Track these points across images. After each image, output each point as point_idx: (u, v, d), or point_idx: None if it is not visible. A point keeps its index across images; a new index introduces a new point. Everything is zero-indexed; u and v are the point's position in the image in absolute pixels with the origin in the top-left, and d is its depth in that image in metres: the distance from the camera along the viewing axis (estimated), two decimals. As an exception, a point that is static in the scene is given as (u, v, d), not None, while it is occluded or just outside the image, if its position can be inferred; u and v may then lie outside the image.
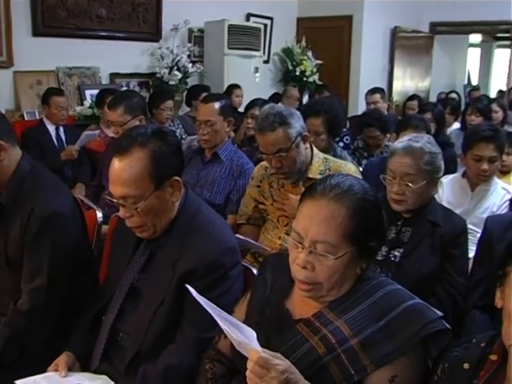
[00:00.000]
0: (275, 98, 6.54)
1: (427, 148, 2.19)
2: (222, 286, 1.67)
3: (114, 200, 1.69)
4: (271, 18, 7.41)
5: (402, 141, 2.27)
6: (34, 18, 5.10)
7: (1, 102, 4.50)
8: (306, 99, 7.30)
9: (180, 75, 5.81)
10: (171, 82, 5.80)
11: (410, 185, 2.16)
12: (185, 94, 5.94)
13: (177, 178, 1.72)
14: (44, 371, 1.81)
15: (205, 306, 1.27)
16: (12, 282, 1.98)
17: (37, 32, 5.14)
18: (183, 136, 4.92)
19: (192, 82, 6.14)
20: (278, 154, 2.47)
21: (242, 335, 1.20)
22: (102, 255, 2.42)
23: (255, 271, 1.87)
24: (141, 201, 1.65)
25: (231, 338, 1.25)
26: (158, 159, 1.67)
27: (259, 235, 2.74)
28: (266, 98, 6.21)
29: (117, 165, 1.67)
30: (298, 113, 2.59)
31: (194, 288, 1.56)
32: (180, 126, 5.16)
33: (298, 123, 2.50)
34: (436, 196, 2.45)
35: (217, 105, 3.07)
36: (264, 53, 7.02)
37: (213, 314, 1.25)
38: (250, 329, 1.20)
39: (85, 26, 5.46)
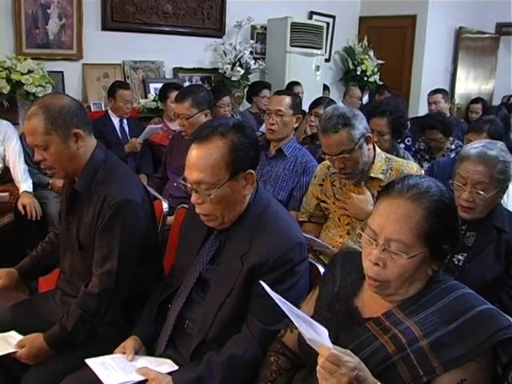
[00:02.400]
0: (324, 90, 6.54)
1: (501, 156, 2.14)
2: (289, 280, 1.69)
3: (188, 185, 1.74)
4: (333, 17, 7.39)
5: (476, 147, 2.21)
6: (103, 13, 5.24)
7: (70, 93, 4.61)
8: (366, 99, 7.25)
9: (242, 71, 5.85)
10: (233, 78, 5.85)
11: (482, 193, 2.13)
12: (246, 89, 5.99)
13: (251, 171, 1.76)
14: (111, 353, 1.87)
15: (278, 302, 1.30)
16: (83, 265, 2.07)
17: (105, 26, 5.28)
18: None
19: (253, 78, 6.18)
20: (341, 155, 2.48)
21: (313, 332, 1.23)
22: (166, 244, 2.49)
23: (320, 268, 1.90)
24: (214, 188, 1.69)
25: (303, 333, 1.28)
26: (235, 150, 1.71)
27: (320, 233, 2.75)
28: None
29: (195, 151, 1.73)
30: (362, 114, 2.58)
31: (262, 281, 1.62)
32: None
33: (361, 124, 2.50)
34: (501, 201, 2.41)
35: (288, 99, 3.14)
36: (325, 51, 6.99)
37: (285, 310, 1.28)
38: (321, 326, 1.22)
39: (151, 21, 5.58)
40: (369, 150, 2.57)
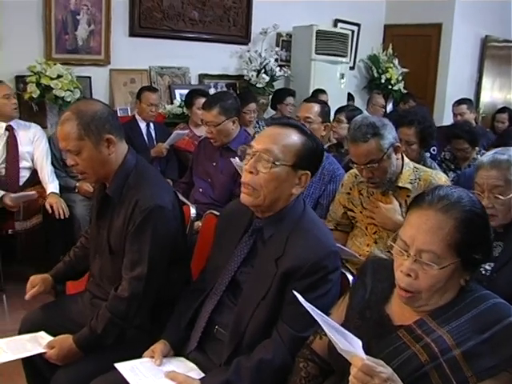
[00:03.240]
0: (349, 98, 6.53)
1: None
2: (322, 288, 1.70)
3: (253, 149, 1.77)
4: (358, 25, 7.37)
5: (487, 155, 2.25)
6: (131, 20, 5.32)
7: (97, 97, 4.68)
8: (390, 107, 7.23)
9: (267, 78, 5.87)
10: (258, 85, 5.87)
11: (500, 197, 2.13)
12: (270, 97, 6.02)
13: (308, 172, 1.80)
14: (139, 356, 1.89)
15: (310, 311, 1.31)
16: (113, 269, 2.10)
17: (133, 32, 5.36)
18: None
19: (278, 85, 6.19)
20: (370, 164, 2.48)
21: (346, 342, 1.23)
22: (193, 249, 2.51)
23: (350, 277, 1.90)
24: (276, 162, 1.73)
25: (335, 343, 1.28)
26: (306, 147, 1.78)
27: (347, 241, 2.76)
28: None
29: (275, 128, 1.82)
30: (391, 123, 2.58)
31: (294, 287, 1.63)
32: (265, 128, 5.22)
33: (390, 134, 2.50)
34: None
35: (317, 107, 3.17)
36: (350, 59, 6.99)
37: (318, 320, 1.29)
38: (355, 337, 1.22)
39: (178, 27, 5.64)
40: (397, 159, 2.56)
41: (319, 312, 1.29)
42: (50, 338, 2.06)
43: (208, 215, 2.50)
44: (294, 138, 1.77)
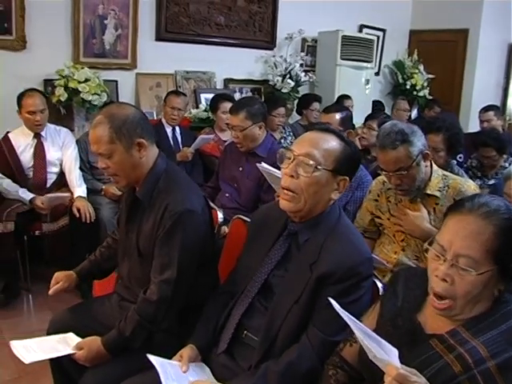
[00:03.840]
0: (377, 106, 6.50)
1: None
2: (354, 294, 1.70)
3: (294, 153, 1.77)
4: (384, 30, 7.36)
5: None
6: (157, 24, 5.37)
7: (123, 101, 4.73)
8: (415, 114, 7.19)
9: (292, 84, 5.88)
10: (283, 90, 5.88)
11: None
12: (296, 102, 6.02)
13: (347, 178, 1.80)
14: (167, 359, 1.89)
15: (345, 318, 1.30)
16: (142, 272, 2.11)
17: (159, 37, 5.40)
18: (293, 144, 4.97)
19: (302, 90, 6.20)
20: (399, 171, 2.47)
21: (381, 350, 1.23)
22: (219, 254, 2.51)
23: (379, 284, 1.90)
24: (318, 166, 1.73)
25: (368, 350, 1.27)
26: (346, 153, 1.79)
27: (374, 248, 2.74)
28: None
29: (316, 133, 1.83)
30: (420, 131, 2.56)
31: (327, 292, 1.65)
32: (291, 134, 5.23)
33: (419, 141, 2.48)
34: None
35: (338, 115, 3.16)
36: (375, 65, 6.97)
37: (352, 327, 1.28)
38: (390, 346, 1.22)
39: (204, 32, 5.67)
40: (426, 166, 2.54)
41: (353, 318, 1.29)
42: (78, 339, 2.07)
43: (236, 220, 2.50)
44: (334, 143, 1.78)
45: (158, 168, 2.09)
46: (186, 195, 2.03)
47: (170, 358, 1.90)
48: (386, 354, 1.22)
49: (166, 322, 2.03)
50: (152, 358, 1.81)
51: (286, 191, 1.79)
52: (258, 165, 2.94)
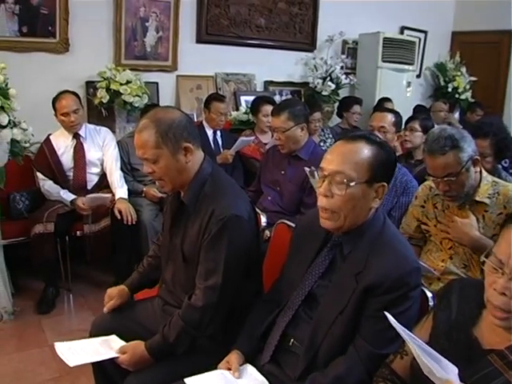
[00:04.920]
0: (419, 109, 6.39)
1: None
2: (402, 305, 1.64)
3: (324, 173, 1.72)
4: (425, 32, 7.25)
5: None
6: (198, 26, 5.38)
7: (163, 104, 4.76)
8: (456, 116, 7.05)
9: (333, 86, 5.83)
10: (324, 93, 5.84)
11: None
12: (336, 105, 5.96)
13: (385, 184, 1.75)
14: (211, 365, 1.87)
15: (402, 334, 1.27)
16: (186, 277, 2.09)
17: (200, 39, 5.42)
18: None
19: (342, 93, 6.14)
20: (447, 177, 2.40)
21: (439, 367, 1.18)
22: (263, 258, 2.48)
23: (429, 294, 1.84)
24: (350, 183, 1.68)
25: (424, 366, 1.23)
26: (379, 159, 1.72)
27: (420, 256, 2.67)
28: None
29: (342, 145, 1.75)
30: (470, 136, 2.49)
31: (374, 303, 1.61)
32: (330, 136, 5.17)
33: (469, 147, 2.40)
34: None
35: (391, 116, 3.11)
36: (416, 67, 6.86)
37: (410, 343, 1.24)
38: (450, 363, 1.18)
39: (244, 34, 5.67)
40: (476, 172, 2.46)
41: (409, 333, 1.24)
42: (121, 342, 2.07)
43: (280, 224, 2.47)
44: (365, 151, 1.71)
45: (204, 172, 2.06)
46: (232, 200, 2.00)
47: (213, 363, 1.88)
48: (444, 371, 1.17)
49: (211, 329, 2.00)
50: (190, 381, 1.79)
51: (323, 210, 1.75)
52: (305, 168, 2.90)
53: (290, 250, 2.01)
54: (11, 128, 3.35)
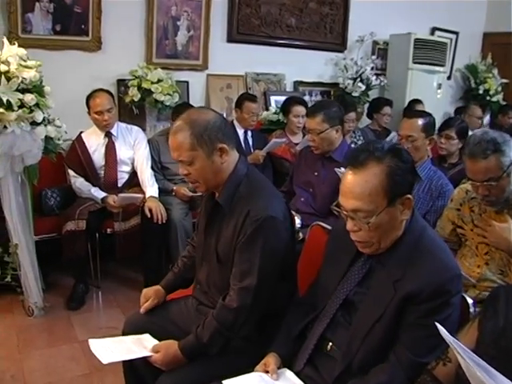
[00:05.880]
0: (459, 111, 6.32)
1: None
2: (443, 312, 1.61)
3: (344, 212, 1.70)
4: (457, 33, 7.15)
5: None
6: (229, 26, 5.38)
7: (193, 103, 4.76)
8: (487, 120, 6.95)
9: (363, 87, 5.79)
10: (354, 94, 5.81)
11: None
12: (366, 106, 5.92)
13: (409, 196, 1.69)
14: (244, 366, 1.86)
15: (453, 345, 1.24)
16: (221, 277, 2.08)
17: (230, 38, 5.42)
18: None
19: (372, 94, 6.10)
20: (488, 182, 2.35)
21: (493, 382, 1.15)
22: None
23: (469, 300, 1.81)
24: (372, 216, 1.64)
25: (474, 378, 1.20)
26: (393, 176, 1.65)
27: (455, 261, 2.63)
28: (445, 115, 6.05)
29: (351, 178, 1.68)
30: None
31: (414, 311, 1.59)
32: (361, 138, 5.14)
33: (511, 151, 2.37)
34: None
35: (420, 121, 3.05)
36: (447, 68, 6.78)
37: (460, 352, 1.21)
38: (505, 379, 1.15)
39: (275, 34, 5.66)
40: None
41: (461, 345, 1.21)
42: (154, 341, 2.07)
43: (315, 226, 2.45)
44: (374, 179, 1.64)
45: (239, 173, 2.05)
46: (268, 201, 1.98)
47: (247, 364, 1.87)
48: None
49: (245, 330, 1.99)
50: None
51: (355, 242, 1.74)
52: (336, 169, 2.87)
53: (325, 254, 1.99)
54: (45, 125, 3.37)
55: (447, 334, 1.27)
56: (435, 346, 1.55)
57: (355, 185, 1.66)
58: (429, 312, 1.58)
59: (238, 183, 2.04)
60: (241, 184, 2.04)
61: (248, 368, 1.87)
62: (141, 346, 2.05)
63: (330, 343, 1.79)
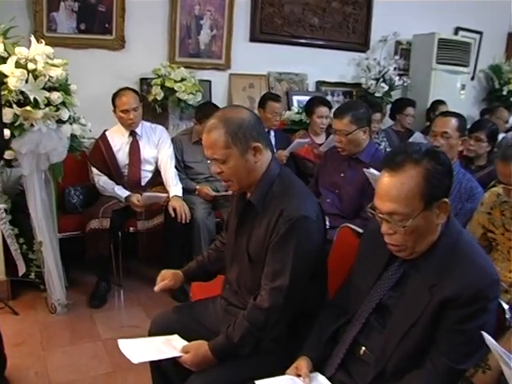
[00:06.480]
0: (485, 113, 6.25)
1: None
2: (480, 318, 1.58)
3: (380, 215, 1.67)
4: (481, 33, 7.07)
5: None
6: (252, 25, 5.37)
7: (216, 102, 4.76)
8: (511, 121, 6.86)
9: (386, 87, 5.74)
10: (377, 94, 5.76)
11: None
12: (388, 106, 5.87)
13: (446, 199, 1.66)
14: (274, 367, 1.84)
15: (499, 353, 1.23)
16: (252, 277, 2.06)
17: (253, 38, 5.40)
18: (387, 150, 4.85)
19: (394, 95, 6.05)
20: None
21: None
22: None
23: (505, 306, 1.77)
24: (408, 219, 1.61)
25: None
26: (430, 179, 1.62)
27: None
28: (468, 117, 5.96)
29: (388, 180, 1.65)
30: None
31: (451, 316, 1.56)
32: (384, 139, 5.10)
33: None
34: None
35: (455, 120, 3.02)
36: (470, 69, 6.71)
37: (506, 359, 1.18)
38: None
39: (298, 33, 5.63)
40: None
41: (507, 352, 1.18)
42: (183, 342, 2.05)
43: (344, 228, 2.42)
44: (411, 182, 1.61)
45: (272, 172, 2.03)
46: (301, 201, 1.96)
47: (277, 365, 1.85)
48: None
49: (276, 331, 1.97)
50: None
51: (390, 245, 1.71)
52: (364, 170, 2.84)
53: (358, 256, 1.96)
54: (71, 123, 3.38)
55: (492, 341, 1.25)
56: (472, 352, 1.53)
57: (391, 187, 1.63)
58: (466, 317, 1.55)
59: (271, 182, 2.02)
60: (274, 183, 2.02)
61: (277, 369, 1.85)
62: (170, 346, 2.04)
63: (363, 347, 1.77)
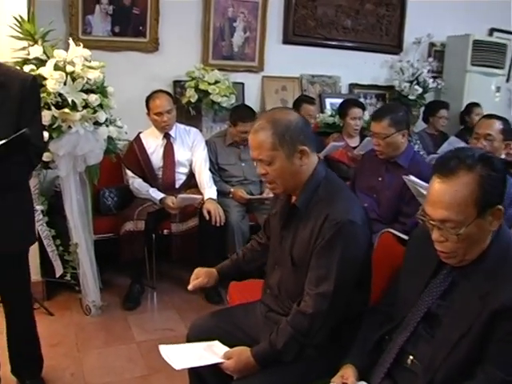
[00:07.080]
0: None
1: None
2: None
3: (431, 222, 1.63)
4: (516, 34, 6.95)
5: None
6: (285, 27, 5.35)
7: (249, 104, 4.75)
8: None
9: (420, 90, 5.67)
10: (410, 97, 5.69)
11: None
12: (421, 109, 5.80)
13: (500, 207, 1.61)
14: (317, 376, 1.83)
15: None
16: (294, 282, 2.03)
17: (286, 40, 5.38)
18: (421, 153, 4.79)
19: (428, 97, 5.96)
20: None
21: None
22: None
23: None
24: (461, 227, 1.56)
25: None
26: (484, 185, 1.57)
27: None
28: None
29: (440, 186, 1.60)
30: None
31: (504, 328, 1.50)
32: (418, 142, 5.04)
33: None
34: None
35: (498, 123, 2.98)
36: (505, 71, 6.59)
37: None
38: None
39: (331, 35, 5.59)
40: None
41: None
42: (225, 348, 2.03)
43: (385, 233, 2.38)
44: (464, 189, 1.56)
45: (318, 176, 2.00)
46: (347, 205, 1.93)
47: (319, 373, 1.84)
48: None
49: (320, 337, 1.94)
50: None
51: (441, 253, 1.66)
52: (404, 177, 2.80)
53: (404, 263, 1.91)
54: (107, 126, 3.40)
55: None
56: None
57: (444, 194, 1.58)
58: None
59: (316, 186, 2.00)
60: (319, 187, 1.99)
61: (320, 376, 1.83)
62: (211, 352, 2.02)
63: (411, 357, 1.72)
